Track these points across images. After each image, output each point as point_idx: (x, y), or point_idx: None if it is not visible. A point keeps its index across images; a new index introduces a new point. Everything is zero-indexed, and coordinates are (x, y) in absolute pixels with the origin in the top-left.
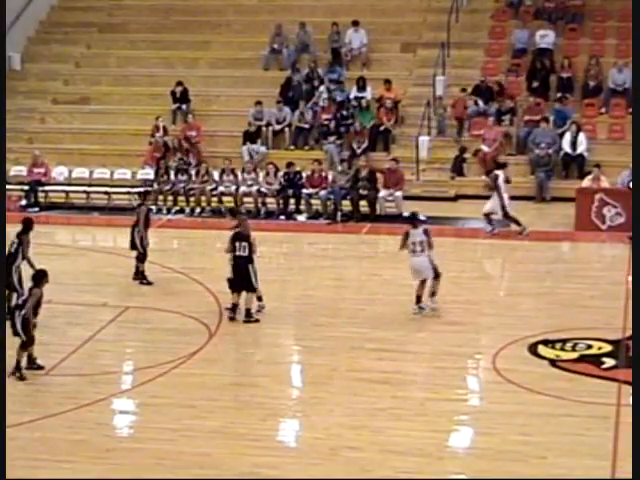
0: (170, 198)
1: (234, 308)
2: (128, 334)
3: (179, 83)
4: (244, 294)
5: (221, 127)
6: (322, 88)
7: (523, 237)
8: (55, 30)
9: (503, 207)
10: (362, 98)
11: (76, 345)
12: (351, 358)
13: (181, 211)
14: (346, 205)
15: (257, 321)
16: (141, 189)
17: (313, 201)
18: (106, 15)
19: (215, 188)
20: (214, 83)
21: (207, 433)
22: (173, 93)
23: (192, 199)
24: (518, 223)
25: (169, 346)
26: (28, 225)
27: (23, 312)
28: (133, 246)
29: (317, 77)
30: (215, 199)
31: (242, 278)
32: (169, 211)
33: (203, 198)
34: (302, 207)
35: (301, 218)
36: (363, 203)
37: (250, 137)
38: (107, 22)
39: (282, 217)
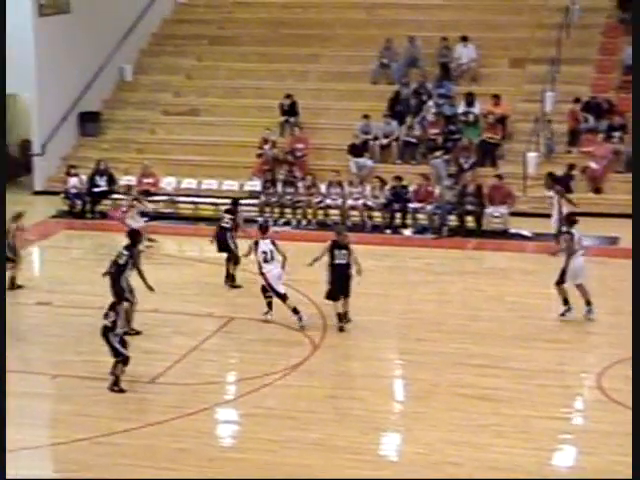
0: (277, 210)
1: (340, 317)
2: (232, 345)
3: (288, 96)
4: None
5: (329, 140)
6: (430, 103)
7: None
8: (167, 42)
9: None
10: (470, 113)
11: (181, 354)
12: (454, 374)
13: (287, 223)
14: (452, 220)
15: (349, 321)
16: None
17: (419, 215)
18: (217, 28)
19: (321, 201)
20: (322, 96)
21: (307, 445)
22: (281, 105)
23: (299, 211)
24: None
25: (273, 357)
26: (135, 238)
27: (117, 332)
28: (223, 249)
29: (425, 91)
30: (321, 212)
31: (342, 285)
32: (275, 223)
33: (309, 210)
34: (408, 221)
35: (407, 232)
36: (469, 218)
37: (357, 150)
38: (218, 35)
39: (388, 231)
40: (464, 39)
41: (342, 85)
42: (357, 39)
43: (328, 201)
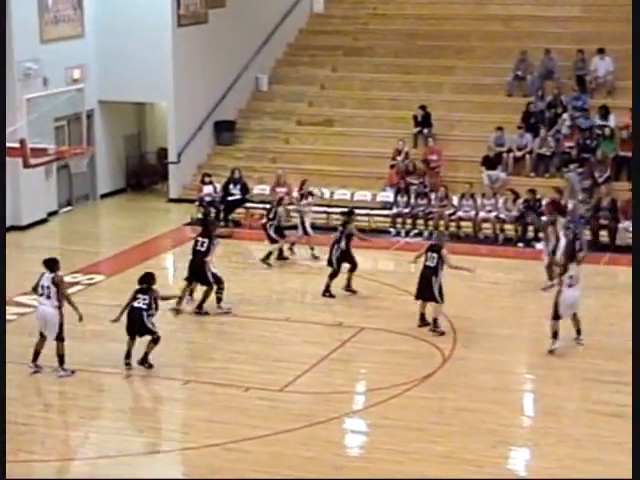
0: (409, 221)
1: (422, 317)
2: (362, 355)
3: (422, 107)
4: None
5: (462, 152)
6: (565, 115)
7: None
8: (302, 53)
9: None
10: (605, 127)
11: (311, 363)
12: (585, 389)
13: (419, 234)
14: (586, 234)
15: (442, 334)
16: (347, 209)
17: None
18: (352, 39)
19: (454, 213)
20: (456, 108)
21: (435, 457)
22: (415, 117)
23: (431, 222)
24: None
25: (402, 368)
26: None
27: (152, 312)
28: (330, 263)
29: (560, 104)
30: (454, 223)
31: (424, 288)
32: (407, 234)
33: (442, 222)
34: (541, 235)
35: (539, 246)
36: (603, 233)
37: (490, 163)
38: (353, 46)
39: (520, 244)
40: (601, 51)
41: (476, 97)
42: (492, 51)
43: (460, 213)
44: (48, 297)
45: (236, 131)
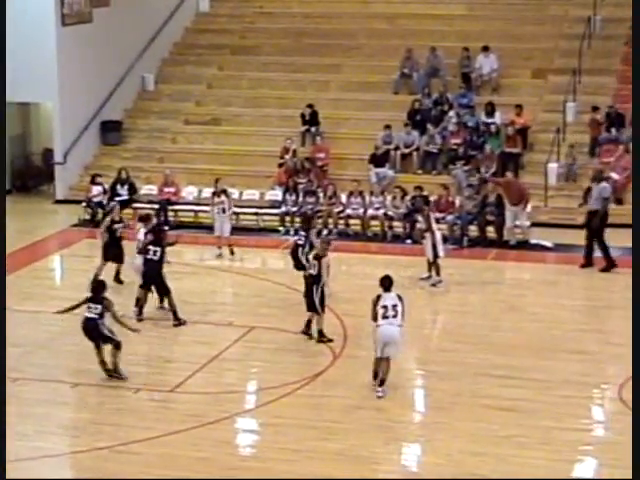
0: (297, 219)
1: (307, 323)
2: (253, 354)
3: (309, 105)
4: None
5: (350, 150)
6: (451, 113)
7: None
8: (188, 52)
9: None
10: (492, 124)
11: (201, 363)
12: (475, 384)
13: None
14: (473, 230)
15: (331, 340)
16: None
17: (440, 226)
18: (238, 37)
19: (342, 210)
20: (344, 106)
21: (329, 455)
22: (303, 115)
23: (319, 221)
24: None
25: (293, 367)
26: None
27: (104, 321)
28: (298, 266)
29: (447, 101)
30: (342, 221)
31: (306, 296)
32: (296, 232)
33: (330, 220)
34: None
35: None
36: (490, 229)
37: (378, 160)
38: (239, 44)
39: (408, 241)
40: (485, 49)
41: (363, 95)
42: (379, 49)
43: (349, 211)
44: None
45: (123, 131)
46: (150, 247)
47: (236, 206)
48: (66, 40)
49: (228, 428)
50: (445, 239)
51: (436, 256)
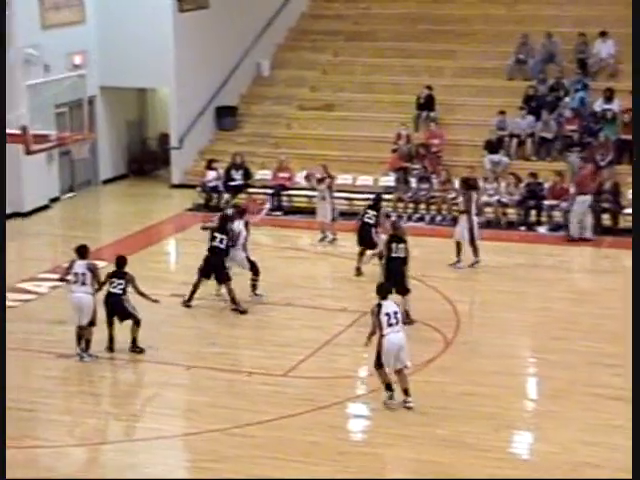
0: (411, 205)
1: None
2: (365, 339)
3: (428, 87)
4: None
5: (464, 136)
6: (567, 99)
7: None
8: (304, 37)
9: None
10: (609, 110)
11: (314, 348)
12: (588, 373)
13: (421, 219)
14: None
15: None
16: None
17: (554, 213)
18: (353, 23)
19: (456, 197)
20: (458, 92)
21: (437, 441)
22: (418, 98)
23: (433, 207)
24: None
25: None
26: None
27: (128, 297)
28: (365, 244)
29: (562, 88)
30: (455, 208)
31: (396, 280)
32: (410, 218)
33: (444, 206)
34: (543, 218)
35: (542, 230)
36: (605, 216)
37: (492, 147)
38: (354, 30)
39: (522, 228)
40: (603, 34)
41: (478, 81)
42: (494, 35)
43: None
44: (83, 284)
45: (238, 116)
46: (217, 234)
47: (350, 192)
48: (183, 26)
49: (339, 413)
50: (559, 226)
51: (473, 239)
